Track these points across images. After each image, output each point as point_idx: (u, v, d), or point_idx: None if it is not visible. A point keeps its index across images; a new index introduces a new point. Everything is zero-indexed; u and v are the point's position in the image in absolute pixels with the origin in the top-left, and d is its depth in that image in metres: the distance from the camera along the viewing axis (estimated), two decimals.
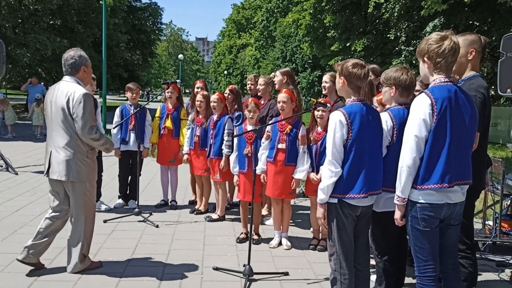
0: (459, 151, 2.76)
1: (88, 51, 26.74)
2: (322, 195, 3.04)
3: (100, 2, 21.48)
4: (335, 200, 3.03)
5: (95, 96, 6.29)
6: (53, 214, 4.07)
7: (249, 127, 4.94)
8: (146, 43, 39.79)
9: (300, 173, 4.74)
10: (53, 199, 4.07)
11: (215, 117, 5.80)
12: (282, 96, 4.74)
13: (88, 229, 4.10)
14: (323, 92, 5.28)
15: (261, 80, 5.86)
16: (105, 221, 5.61)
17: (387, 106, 3.41)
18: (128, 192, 6.48)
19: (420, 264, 2.85)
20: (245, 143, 5.03)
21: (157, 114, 6.38)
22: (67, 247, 4.10)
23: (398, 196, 2.83)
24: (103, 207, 6.18)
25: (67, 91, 3.88)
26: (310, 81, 37.74)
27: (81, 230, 4.03)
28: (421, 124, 2.71)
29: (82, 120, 3.82)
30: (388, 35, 16.72)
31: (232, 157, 5.22)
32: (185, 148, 6.15)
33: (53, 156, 3.94)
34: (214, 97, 5.81)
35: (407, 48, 16.15)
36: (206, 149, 5.89)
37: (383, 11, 16.18)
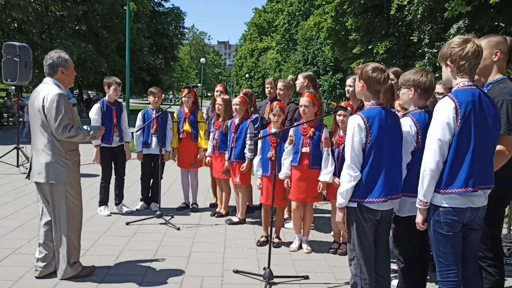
0: (482, 155, 2.72)
1: (112, 55, 27.30)
2: (341, 200, 3.03)
3: (124, 7, 21.84)
4: (355, 205, 3.01)
5: (119, 100, 6.43)
6: (44, 220, 4.04)
7: (273, 131, 4.93)
8: (168, 47, 40.30)
9: (326, 175, 4.71)
10: (41, 202, 4.05)
11: (236, 120, 5.82)
12: (304, 100, 4.73)
13: (74, 234, 4.00)
14: (347, 95, 5.24)
15: (280, 85, 5.86)
16: (127, 223, 5.69)
17: (408, 109, 3.36)
18: (150, 195, 6.55)
19: (443, 269, 2.81)
20: (269, 147, 5.04)
21: (175, 118, 6.45)
22: (55, 253, 4.03)
23: (420, 200, 2.80)
24: (125, 209, 6.27)
25: (43, 93, 3.86)
26: (331, 84, 37.58)
27: (63, 234, 3.94)
28: (445, 128, 2.68)
29: (55, 120, 3.77)
30: (411, 37, 16.51)
31: (256, 161, 5.23)
32: (208, 151, 6.22)
33: (33, 159, 3.96)
34: (236, 100, 5.83)
35: (430, 50, 15.91)
36: (223, 152, 5.94)
37: (406, 13, 15.99)
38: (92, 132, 4.05)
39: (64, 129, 3.79)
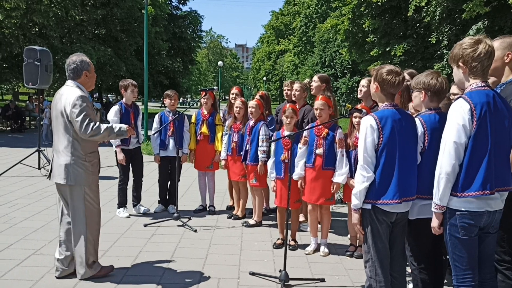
0: (498, 156, 2.68)
1: (131, 59, 27.64)
2: (355, 201, 3.03)
3: (142, 11, 22.08)
4: (369, 206, 3.00)
5: (137, 103, 6.51)
6: (65, 221, 4.10)
7: (287, 133, 4.96)
8: (186, 50, 40.62)
9: (340, 176, 4.70)
10: (60, 204, 4.12)
11: (251, 122, 5.85)
12: (318, 103, 4.73)
13: (92, 235, 4.08)
14: (358, 96, 5.24)
15: (296, 86, 5.87)
16: (145, 225, 5.76)
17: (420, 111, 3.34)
18: (167, 197, 6.62)
19: (459, 273, 2.78)
20: (282, 149, 5.05)
21: (193, 120, 6.48)
22: (74, 254, 4.09)
23: (436, 204, 2.76)
24: (142, 209, 6.36)
25: (65, 95, 3.93)
26: (349, 86, 37.39)
27: (82, 235, 4.00)
28: (460, 130, 2.64)
29: (77, 121, 3.83)
30: (429, 39, 16.34)
31: (270, 163, 5.25)
32: (223, 154, 6.25)
33: (54, 160, 4.03)
34: (252, 103, 5.86)
35: (449, 51, 15.72)
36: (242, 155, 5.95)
37: (424, 14, 15.85)
38: (117, 130, 4.07)
39: (87, 127, 3.84)
